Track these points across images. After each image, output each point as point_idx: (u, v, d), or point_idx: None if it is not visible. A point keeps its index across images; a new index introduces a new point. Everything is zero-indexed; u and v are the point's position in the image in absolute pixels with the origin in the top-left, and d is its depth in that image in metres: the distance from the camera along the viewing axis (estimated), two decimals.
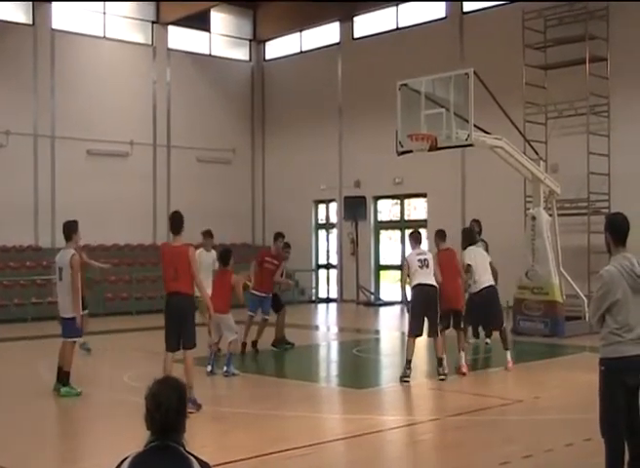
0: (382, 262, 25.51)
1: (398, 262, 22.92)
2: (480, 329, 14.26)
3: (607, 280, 5.63)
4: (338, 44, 26.33)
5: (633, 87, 19.09)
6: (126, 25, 25.86)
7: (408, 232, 13.55)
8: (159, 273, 10.33)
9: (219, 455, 6.95)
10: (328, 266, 27.05)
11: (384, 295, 24.78)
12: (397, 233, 25.39)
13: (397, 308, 22.59)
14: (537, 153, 16.94)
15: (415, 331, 11.31)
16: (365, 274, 25.08)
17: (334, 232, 26.77)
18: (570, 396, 10.15)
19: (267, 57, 28.94)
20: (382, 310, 23.25)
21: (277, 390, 11.27)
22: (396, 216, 25.52)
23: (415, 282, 11.21)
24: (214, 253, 13.14)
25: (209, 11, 26.97)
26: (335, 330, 20.44)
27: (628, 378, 5.62)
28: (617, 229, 5.78)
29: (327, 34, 26.72)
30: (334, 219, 26.72)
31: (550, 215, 16.56)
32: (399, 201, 25.19)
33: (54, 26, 24.04)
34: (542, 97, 19.76)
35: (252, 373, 12.35)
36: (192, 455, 3.37)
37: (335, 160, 26.10)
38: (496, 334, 12.85)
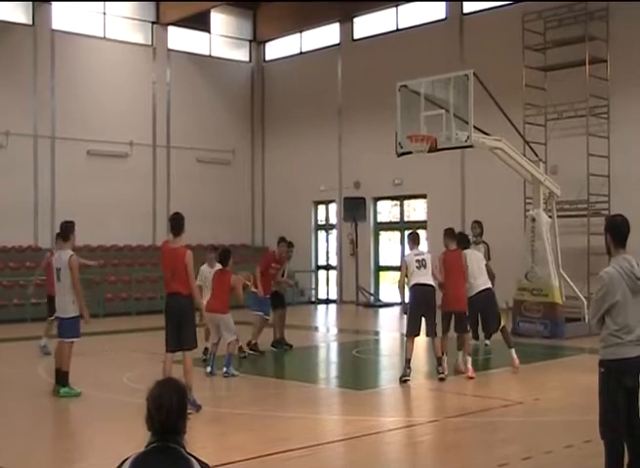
0: (382, 263, 25.53)
1: (398, 263, 22.88)
2: (480, 330, 14.24)
3: (606, 282, 5.64)
4: (337, 45, 26.34)
5: (633, 88, 19.09)
6: (126, 26, 25.88)
7: (407, 233, 13.56)
8: (159, 273, 10.36)
9: (218, 456, 6.96)
10: (327, 267, 27.06)
11: (384, 297, 24.77)
12: (397, 234, 25.40)
13: (397, 309, 22.56)
14: (536, 155, 16.91)
15: (412, 331, 11.33)
16: (364, 275, 25.08)
17: (333, 233, 26.78)
18: (569, 397, 10.14)
19: (267, 57, 28.96)
20: (382, 311, 23.25)
21: (277, 391, 11.28)
22: (396, 218, 25.52)
23: (412, 282, 11.22)
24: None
25: (209, 11, 27.00)
26: (334, 331, 20.44)
27: (628, 380, 5.62)
28: (616, 231, 5.79)
29: (327, 35, 26.74)
30: (333, 220, 26.72)
31: (550, 217, 16.54)
32: (399, 202, 25.20)
33: (54, 27, 24.06)
34: (542, 98, 19.76)
35: (251, 375, 12.33)
36: (193, 456, 3.39)
37: (334, 161, 26.10)
38: (496, 336, 12.84)
